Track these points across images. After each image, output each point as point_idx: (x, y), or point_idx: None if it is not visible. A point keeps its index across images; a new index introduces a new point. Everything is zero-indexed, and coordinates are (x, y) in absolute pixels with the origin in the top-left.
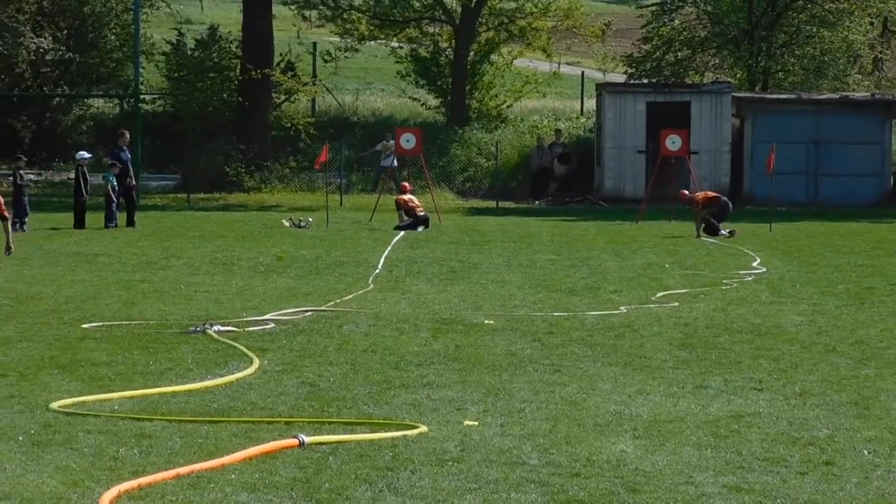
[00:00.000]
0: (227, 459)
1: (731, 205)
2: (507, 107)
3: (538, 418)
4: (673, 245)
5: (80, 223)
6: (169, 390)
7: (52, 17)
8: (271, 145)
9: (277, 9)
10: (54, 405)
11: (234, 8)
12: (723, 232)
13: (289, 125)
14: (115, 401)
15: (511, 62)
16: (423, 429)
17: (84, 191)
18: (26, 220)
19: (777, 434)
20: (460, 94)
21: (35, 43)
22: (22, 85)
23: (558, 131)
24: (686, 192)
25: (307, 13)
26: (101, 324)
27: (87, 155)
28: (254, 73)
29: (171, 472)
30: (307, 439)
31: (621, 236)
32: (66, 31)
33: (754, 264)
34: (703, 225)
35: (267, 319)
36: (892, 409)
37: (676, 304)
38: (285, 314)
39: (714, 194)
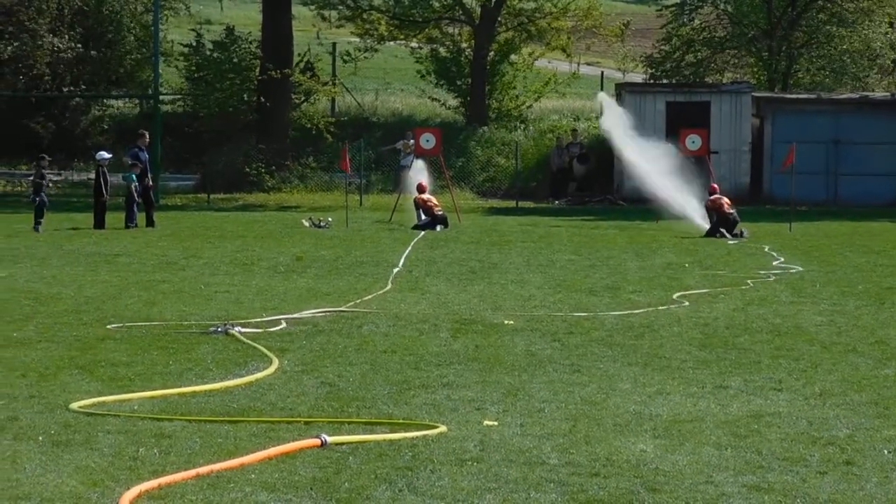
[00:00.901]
0: (251, 458)
1: (738, 222)
2: (528, 107)
3: (558, 418)
4: (693, 245)
5: (100, 223)
6: (189, 390)
7: (71, 17)
8: (291, 145)
9: (297, 9)
10: (74, 405)
11: (254, 8)
12: (726, 235)
13: (308, 125)
14: (134, 401)
15: (531, 63)
16: (443, 429)
17: (104, 191)
18: (42, 220)
19: (797, 434)
20: (480, 94)
21: (52, 43)
22: (41, 86)
23: (574, 131)
24: (716, 186)
25: (326, 13)
26: (122, 324)
27: (107, 155)
28: (273, 73)
29: (192, 472)
30: (329, 439)
31: (641, 236)
32: (82, 31)
33: (775, 263)
34: (718, 224)
35: (281, 320)
36: None
37: (696, 304)
38: (304, 315)
39: (726, 207)
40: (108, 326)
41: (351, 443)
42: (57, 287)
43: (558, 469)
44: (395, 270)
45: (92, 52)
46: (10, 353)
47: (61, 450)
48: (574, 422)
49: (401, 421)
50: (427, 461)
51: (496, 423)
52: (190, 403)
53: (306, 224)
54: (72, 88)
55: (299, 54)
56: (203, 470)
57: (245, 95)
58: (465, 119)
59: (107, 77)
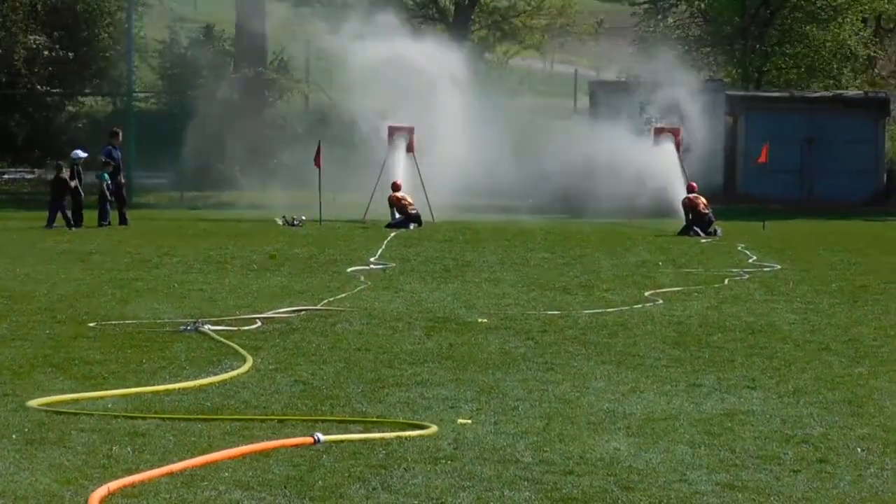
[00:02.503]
0: (248, 448)
1: (713, 221)
2: None
3: (531, 416)
4: (666, 243)
5: (74, 221)
6: (162, 388)
7: (46, 15)
8: (265, 143)
9: (271, 6)
10: (32, 403)
11: (228, 5)
12: (700, 234)
13: (283, 123)
14: (92, 399)
15: (506, 61)
16: (434, 429)
17: (79, 189)
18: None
19: (770, 432)
20: None
21: (29, 38)
22: (18, 84)
23: None
24: (695, 185)
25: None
26: (98, 323)
27: (81, 154)
28: (247, 71)
29: (165, 469)
30: (323, 437)
31: (615, 234)
32: (60, 31)
33: (749, 261)
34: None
35: (255, 318)
36: (886, 407)
37: (670, 302)
38: (277, 313)
39: (702, 206)
40: (90, 324)
41: (347, 441)
42: (30, 285)
43: (532, 467)
44: (369, 269)
45: (62, 49)
46: None
47: (35, 448)
48: (548, 420)
49: (400, 420)
50: (401, 459)
51: (470, 422)
52: (164, 401)
53: (280, 222)
54: (48, 88)
55: (273, 52)
56: (176, 467)
57: (218, 93)
58: None
59: (81, 75)
